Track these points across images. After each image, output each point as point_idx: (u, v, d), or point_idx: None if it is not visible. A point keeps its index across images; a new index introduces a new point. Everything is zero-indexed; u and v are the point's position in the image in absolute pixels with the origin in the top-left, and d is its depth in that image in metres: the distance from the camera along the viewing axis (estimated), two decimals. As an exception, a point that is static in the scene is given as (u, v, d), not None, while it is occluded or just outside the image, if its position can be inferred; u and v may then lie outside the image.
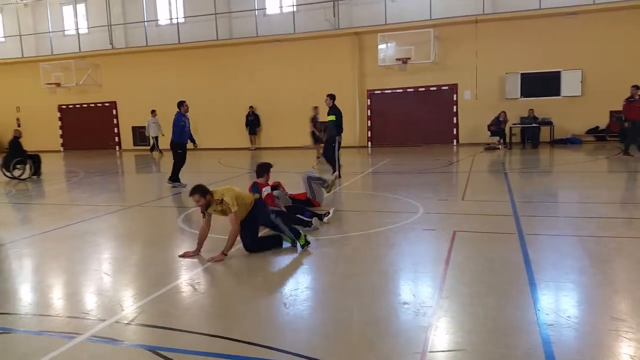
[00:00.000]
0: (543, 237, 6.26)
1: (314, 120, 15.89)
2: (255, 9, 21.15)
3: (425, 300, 4.34)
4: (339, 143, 11.52)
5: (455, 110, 19.72)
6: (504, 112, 17.61)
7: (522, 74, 18.43)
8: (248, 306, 4.39)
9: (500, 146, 17.43)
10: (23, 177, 14.07)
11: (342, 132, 11.60)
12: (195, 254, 5.90)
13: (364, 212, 8.11)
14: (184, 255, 5.92)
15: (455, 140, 19.83)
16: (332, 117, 11.33)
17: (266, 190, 7.39)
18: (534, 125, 17.86)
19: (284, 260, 5.85)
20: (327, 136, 11.63)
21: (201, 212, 5.89)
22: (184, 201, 9.68)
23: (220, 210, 5.86)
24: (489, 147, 17.53)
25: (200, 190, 5.74)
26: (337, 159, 11.40)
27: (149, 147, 21.57)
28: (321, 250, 6.12)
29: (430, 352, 3.41)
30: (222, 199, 5.73)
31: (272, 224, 6.26)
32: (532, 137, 17.97)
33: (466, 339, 3.60)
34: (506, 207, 7.88)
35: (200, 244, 5.93)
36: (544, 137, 17.94)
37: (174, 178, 11.47)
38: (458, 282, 4.75)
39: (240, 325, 3.98)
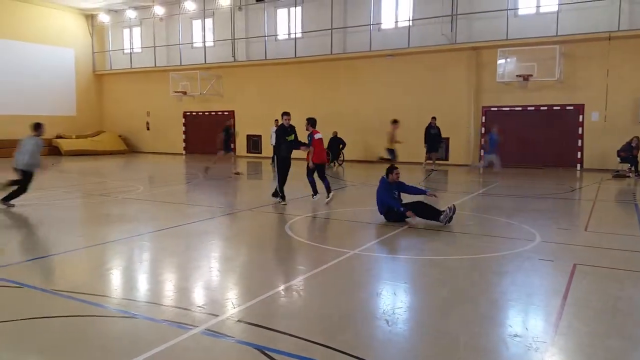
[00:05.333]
0: (681, 279, 5.59)
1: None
2: (370, 24, 21.38)
3: (539, 334, 4.07)
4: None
5: (580, 132, 18.33)
6: (637, 137, 16.02)
7: (661, 96, 16.69)
8: (350, 318, 4.40)
9: (630, 174, 15.88)
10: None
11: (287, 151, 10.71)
12: None
13: (474, 236, 7.79)
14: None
15: (579, 165, 18.40)
16: (291, 137, 10.56)
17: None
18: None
19: (388, 277, 5.80)
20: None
21: None
22: (292, 209, 9.98)
23: None
24: (618, 174, 16.04)
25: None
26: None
27: (270, 158, 22.21)
28: (428, 271, 5.99)
29: (543, 391, 3.17)
30: None
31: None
32: (669, 166, 16.17)
33: (585, 382, 3.31)
34: (636, 243, 7.16)
35: None
36: (684, 167, 16.04)
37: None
38: (576, 319, 4.39)
39: (341, 335, 4.00)
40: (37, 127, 10.34)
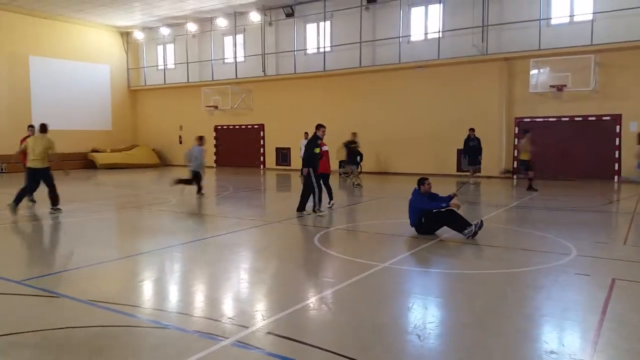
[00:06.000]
0: None
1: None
2: (399, 37, 21.36)
3: (576, 351, 3.93)
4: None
5: (617, 143, 17.81)
6: (678, 147, 15.46)
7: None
8: (380, 332, 4.35)
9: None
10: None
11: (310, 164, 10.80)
12: None
13: (507, 249, 7.62)
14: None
15: (616, 177, 17.85)
16: (317, 149, 10.78)
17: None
18: None
19: (419, 291, 5.72)
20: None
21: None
22: (321, 221, 9.97)
23: None
24: (658, 186, 15.48)
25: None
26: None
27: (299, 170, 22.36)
28: (460, 285, 5.88)
29: (582, 411, 3.06)
30: None
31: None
32: None
33: (627, 403, 3.17)
34: (679, 257, 6.87)
35: None
36: None
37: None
38: (616, 335, 4.23)
39: (371, 349, 3.95)
40: (200, 139, 14.05)
